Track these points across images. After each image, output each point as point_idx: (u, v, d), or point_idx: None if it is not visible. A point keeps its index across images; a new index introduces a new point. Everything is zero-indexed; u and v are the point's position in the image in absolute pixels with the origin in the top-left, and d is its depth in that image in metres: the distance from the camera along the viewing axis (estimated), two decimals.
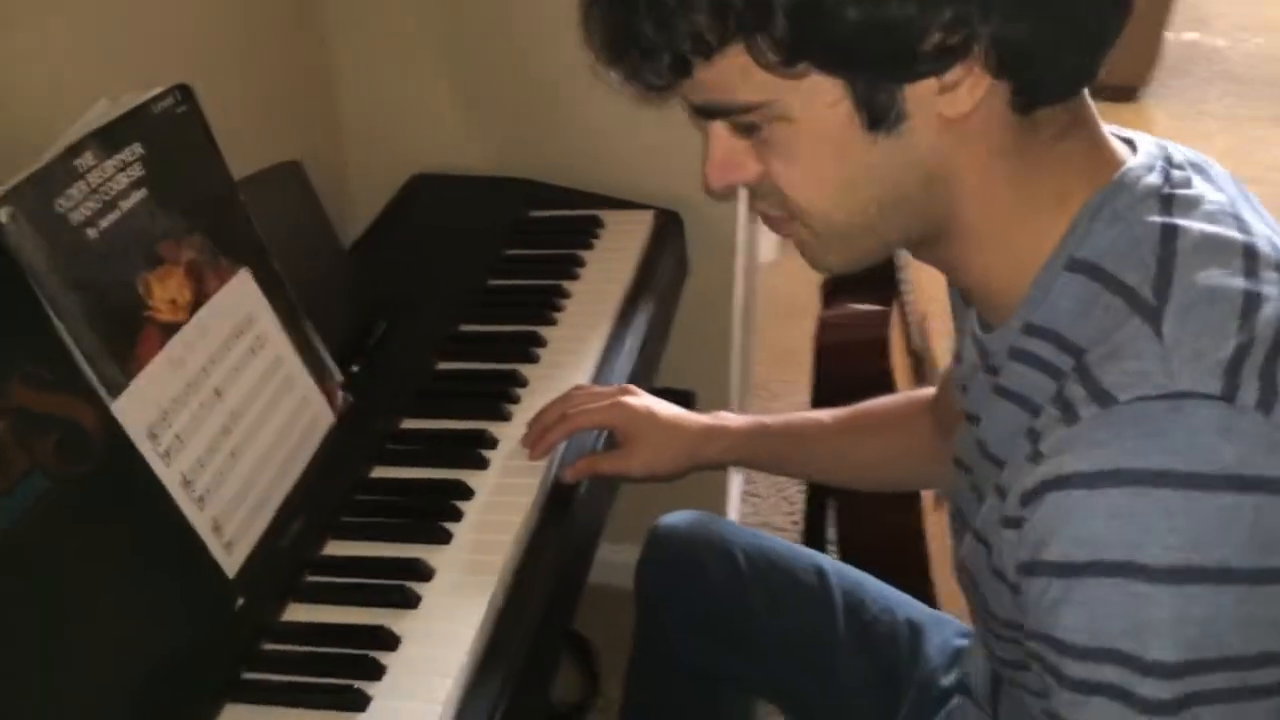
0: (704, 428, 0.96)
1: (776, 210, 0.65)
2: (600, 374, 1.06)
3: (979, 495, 0.65)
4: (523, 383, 1.02)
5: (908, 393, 1.03)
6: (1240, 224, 0.55)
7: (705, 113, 0.61)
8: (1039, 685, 0.57)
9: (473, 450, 0.94)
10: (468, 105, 1.40)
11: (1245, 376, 0.49)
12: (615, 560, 1.13)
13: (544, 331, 1.09)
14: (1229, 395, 0.49)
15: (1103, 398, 0.51)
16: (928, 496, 1.42)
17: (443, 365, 1.06)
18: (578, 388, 0.98)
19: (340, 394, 0.98)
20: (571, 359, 1.06)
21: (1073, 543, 0.51)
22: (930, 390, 0.96)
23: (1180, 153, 0.60)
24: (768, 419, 0.99)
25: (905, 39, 0.53)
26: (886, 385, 1.43)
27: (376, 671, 0.74)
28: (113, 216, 0.79)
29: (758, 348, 1.94)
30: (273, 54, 1.26)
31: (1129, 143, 0.61)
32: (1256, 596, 0.49)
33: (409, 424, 0.99)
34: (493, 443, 0.95)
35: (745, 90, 0.57)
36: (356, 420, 0.97)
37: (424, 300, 1.14)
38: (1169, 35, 3.50)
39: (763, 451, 0.98)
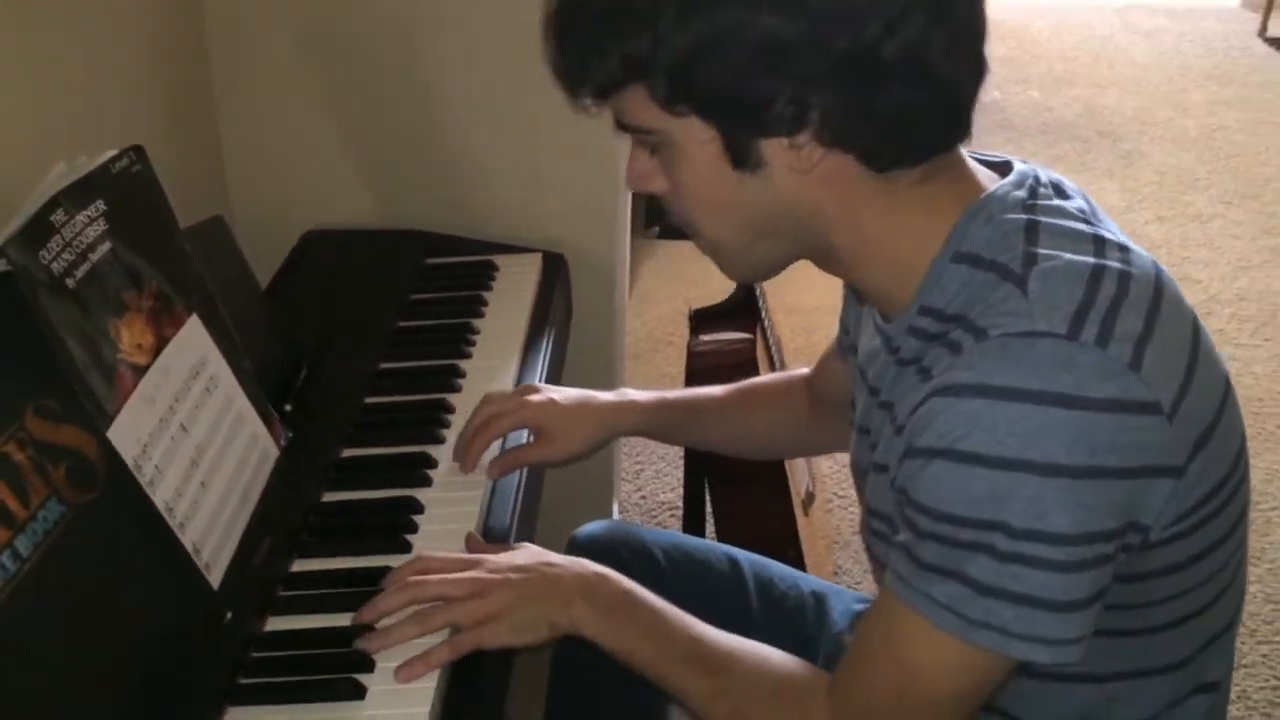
0: (613, 404, 1.08)
1: (684, 225, 0.80)
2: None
3: (876, 449, 0.80)
4: (450, 409, 1.12)
5: (785, 373, 1.18)
6: (1090, 223, 0.72)
7: (620, 127, 0.76)
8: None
9: (416, 470, 1.02)
10: (355, 162, 1.49)
11: (1089, 322, 0.65)
12: None
13: (462, 364, 1.19)
14: (1073, 335, 0.64)
15: (979, 334, 0.67)
16: (798, 503, 1.58)
17: (370, 400, 1.14)
18: (487, 397, 1.06)
19: (280, 429, 1.05)
20: (492, 385, 1.15)
21: (937, 434, 0.65)
22: (803, 371, 1.12)
23: (1045, 174, 0.76)
24: (669, 394, 1.12)
25: (753, 104, 0.68)
26: None
27: (367, 664, 0.82)
28: (85, 267, 0.85)
29: (634, 377, 2.08)
30: (164, 120, 1.32)
31: (1007, 165, 0.77)
32: (1080, 487, 0.63)
33: (349, 453, 1.06)
34: (433, 463, 1.04)
35: (645, 118, 0.73)
36: (298, 453, 1.04)
37: (340, 344, 1.22)
38: None
39: (667, 423, 1.11)
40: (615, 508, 1.87)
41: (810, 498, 1.76)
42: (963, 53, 0.69)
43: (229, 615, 0.85)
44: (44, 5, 1.04)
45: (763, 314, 1.68)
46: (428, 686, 0.80)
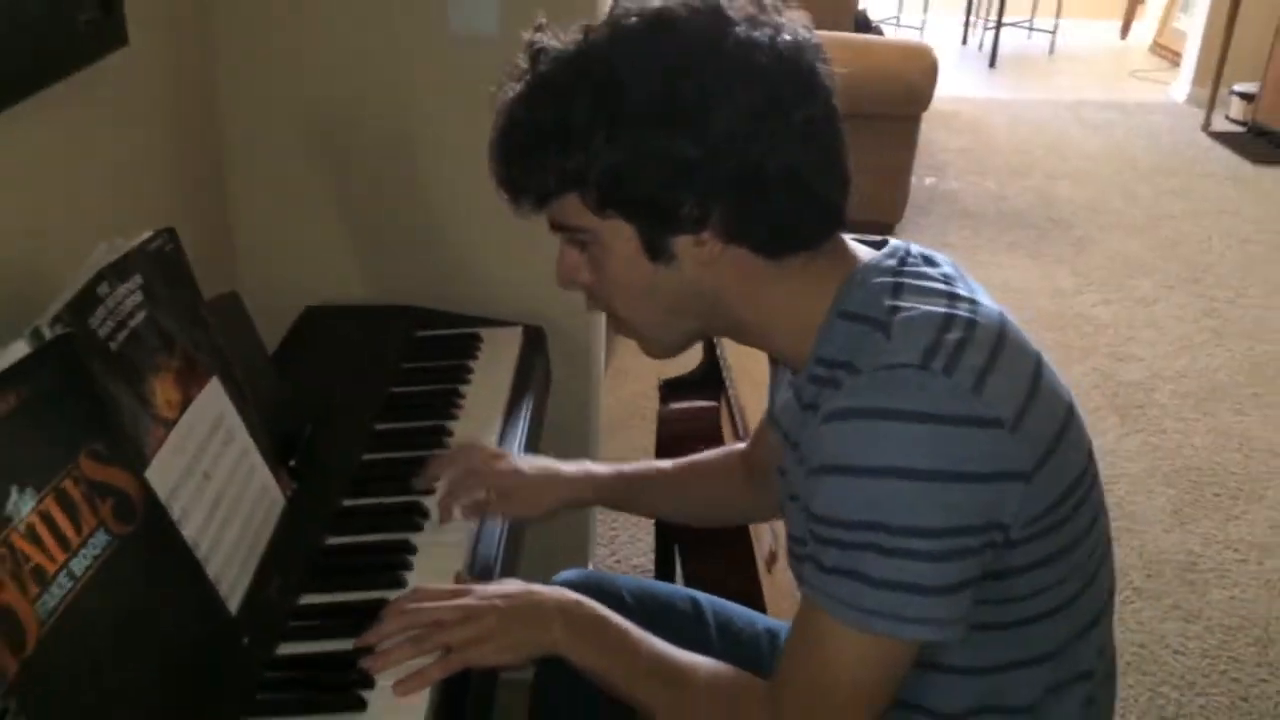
0: (573, 477, 1.22)
1: (605, 311, 0.96)
2: None
3: (792, 484, 0.93)
4: (439, 452, 1.24)
5: (724, 448, 1.31)
6: (948, 283, 0.86)
7: (554, 227, 0.91)
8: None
9: (410, 517, 1.14)
10: (351, 245, 1.63)
11: (938, 356, 0.78)
12: None
13: (449, 425, 1.31)
14: (925, 365, 0.78)
15: (855, 372, 0.81)
16: (762, 563, 1.69)
17: (368, 456, 1.26)
18: (456, 452, 1.20)
19: (287, 481, 1.17)
20: None
21: (825, 454, 0.79)
22: (739, 446, 1.25)
23: (916, 248, 0.91)
24: (625, 467, 1.26)
25: (665, 209, 0.83)
26: None
27: (368, 683, 0.92)
28: (125, 332, 0.97)
29: (609, 447, 2.20)
30: (183, 208, 1.45)
31: (884, 243, 0.92)
32: (943, 489, 0.76)
33: (349, 503, 1.18)
34: (424, 512, 1.16)
35: (577, 219, 0.87)
36: (303, 502, 1.16)
37: (340, 407, 1.34)
38: (914, 181, 4.10)
39: (621, 494, 1.25)
40: (590, 567, 1.97)
41: (773, 557, 1.87)
42: (830, 167, 0.85)
43: (246, 640, 0.96)
44: (81, 109, 1.17)
45: (727, 384, 1.81)
46: (420, 704, 0.91)
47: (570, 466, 1.23)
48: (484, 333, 1.54)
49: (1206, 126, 5.51)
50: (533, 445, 1.38)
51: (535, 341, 1.56)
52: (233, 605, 0.98)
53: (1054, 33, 7.34)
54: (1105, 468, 2.64)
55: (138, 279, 1.01)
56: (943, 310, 0.82)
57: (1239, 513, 2.53)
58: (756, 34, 0.82)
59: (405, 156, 1.57)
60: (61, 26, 1.11)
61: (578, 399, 1.70)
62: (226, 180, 1.57)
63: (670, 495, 1.27)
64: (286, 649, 0.97)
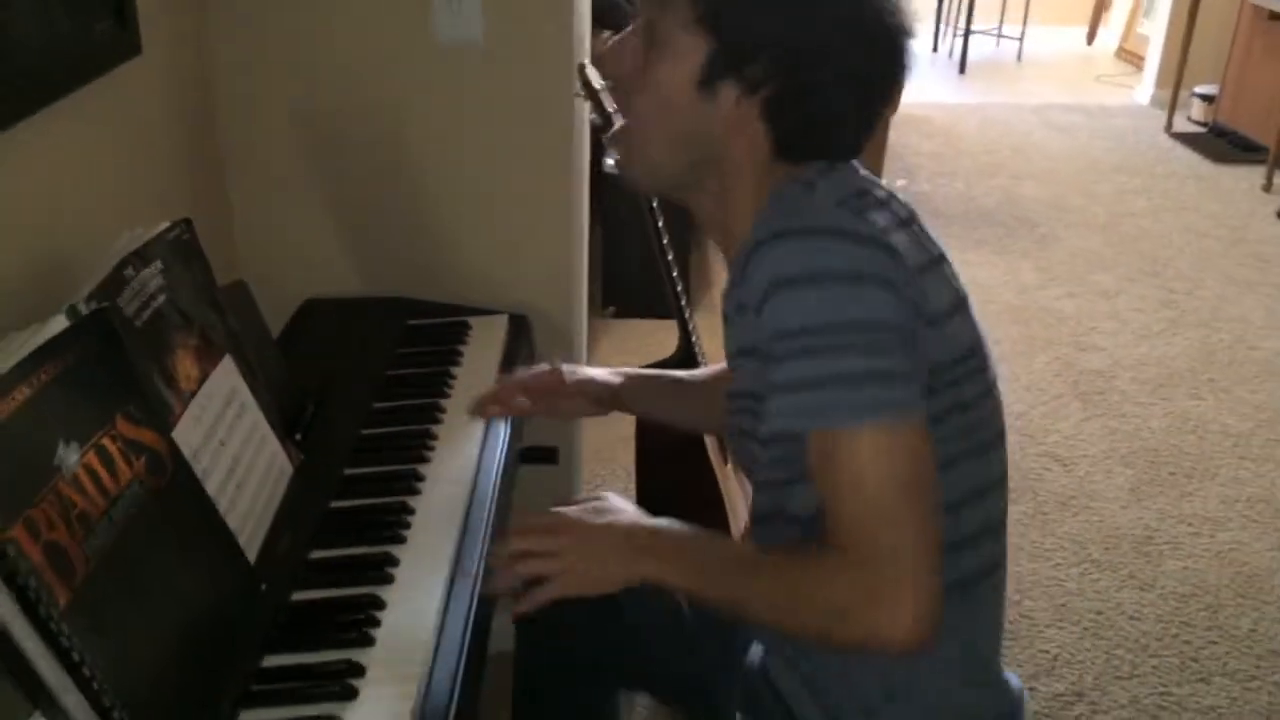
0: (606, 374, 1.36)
1: (620, 109, 1.05)
2: (487, 435, 1.38)
3: (740, 340, 1.01)
4: (435, 437, 1.34)
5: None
6: (884, 190, 1.00)
7: (644, 11, 1.00)
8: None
9: (409, 483, 1.24)
10: (347, 241, 1.73)
11: (850, 205, 0.94)
12: None
13: (442, 402, 1.42)
14: (840, 205, 0.94)
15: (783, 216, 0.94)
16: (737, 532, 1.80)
17: (367, 431, 1.37)
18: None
19: (295, 452, 1.27)
20: (465, 424, 1.37)
21: (768, 274, 0.89)
22: None
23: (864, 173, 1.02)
24: (648, 371, 1.42)
25: (740, 53, 0.94)
26: (700, 456, 1.81)
27: (374, 621, 1.02)
28: (148, 313, 1.08)
29: (592, 435, 2.29)
30: (190, 207, 1.55)
31: None
32: (881, 288, 0.87)
33: (351, 471, 1.28)
34: (420, 477, 1.26)
35: (673, 15, 0.96)
36: (308, 471, 1.26)
37: (340, 388, 1.44)
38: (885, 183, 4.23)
39: (640, 391, 1.37)
40: None
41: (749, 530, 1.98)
42: (881, 91, 0.98)
43: (263, 586, 1.06)
44: (100, 112, 1.27)
45: (703, 366, 1.92)
46: (410, 688, 0.98)
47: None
48: (472, 320, 1.64)
49: (1169, 128, 5.67)
50: (518, 428, 1.48)
51: (520, 328, 1.66)
52: (250, 556, 1.08)
53: (1021, 39, 7.51)
54: (1067, 451, 2.78)
55: (158, 264, 1.12)
56: (865, 189, 0.97)
57: (1193, 490, 2.66)
58: None
59: (396, 158, 1.67)
60: (82, 38, 1.21)
61: None
62: (227, 181, 1.67)
63: (697, 400, 1.36)
64: (300, 595, 1.07)
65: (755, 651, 1.21)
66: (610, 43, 1.03)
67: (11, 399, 0.83)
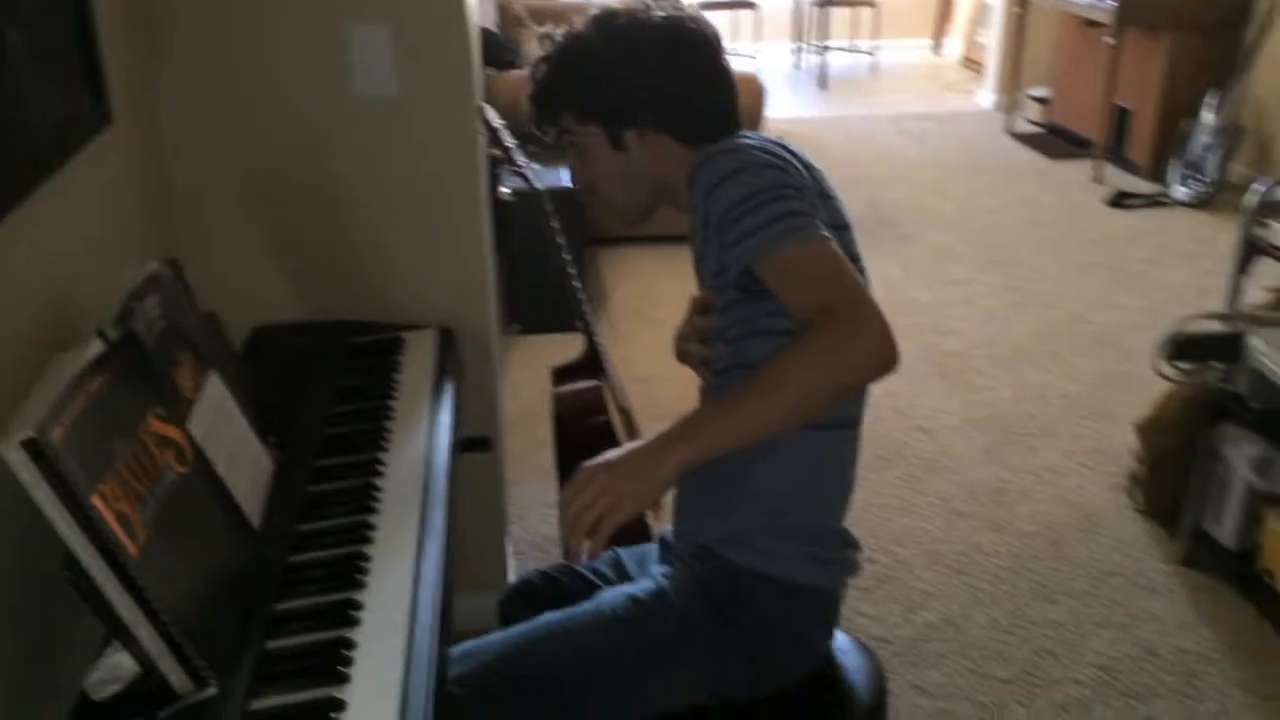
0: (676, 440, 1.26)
1: (588, 191, 1.47)
2: (432, 428, 1.63)
3: (705, 260, 1.36)
4: (390, 430, 1.59)
5: None
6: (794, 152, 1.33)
7: (560, 134, 1.45)
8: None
9: (371, 467, 1.49)
10: (289, 273, 1.96)
11: (748, 138, 1.31)
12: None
13: (391, 403, 1.67)
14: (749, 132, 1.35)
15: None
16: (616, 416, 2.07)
17: (330, 431, 1.61)
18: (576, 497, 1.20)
19: (273, 449, 1.51)
20: (412, 419, 1.62)
21: (709, 179, 1.27)
22: None
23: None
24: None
25: (618, 118, 1.36)
26: (609, 435, 2.09)
27: (364, 569, 1.27)
28: (153, 336, 1.31)
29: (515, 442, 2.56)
30: (151, 245, 1.77)
31: None
32: (763, 171, 1.24)
33: (322, 462, 1.52)
34: (383, 463, 1.50)
35: (571, 124, 1.42)
36: (286, 464, 1.49)
37: (299, 398, 1.68)
38: None
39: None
40: (509, 546, 2.33)
41: (627, 414, 2.27)
42: (716, 88, 1.41)
43: (268, 551, 1.30)
44: (84, 180, 1.50)
45: (607, 366, 2.20)
46: (401, 619, 1.23)
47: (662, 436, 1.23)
48: (406, 335, 1.89)
49: (1009, 129, 6.20)
50: (456, 422, 1.73)
51: (447, 339, 1.92)
52: (255, 523, 1.31)
53: (874, 53, 8.03)
54: (929, 420, 3.15)
55: (156, 296, 1.35)
56: (766, 137, 1.34)
57: (1038, 446, 3.04)
58: (658, 16, 1.38)
59: (329, 198, 1.92)
60: (70, 113, 1.43)
61: (482, 385, 2.06)
62: (179, 223, 1.89)
63: None
64: (296, 558, 1.31)
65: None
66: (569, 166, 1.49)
67: (74, 406, 1.06)
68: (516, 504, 2.68)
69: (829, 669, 1.45)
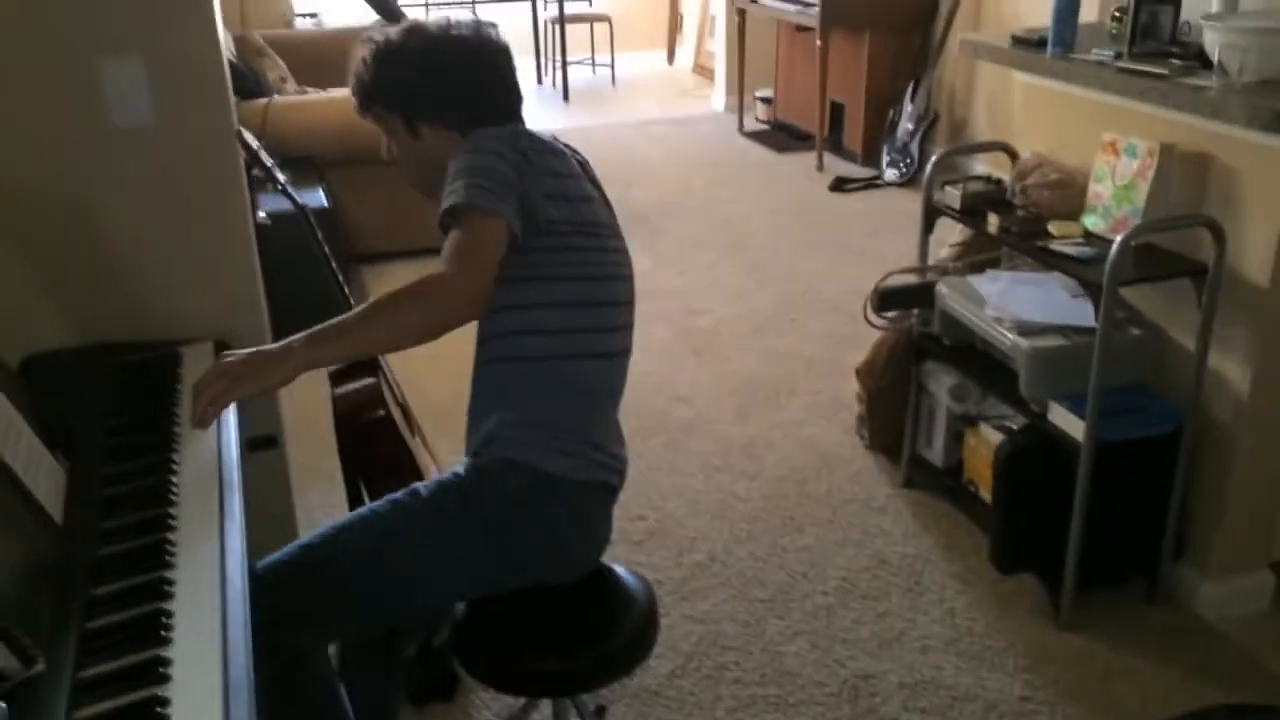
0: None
1: (403, 172, 1.78)
2: (220, 428, 1.74)
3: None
4: (177, 435, 1.70)
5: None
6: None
7: (375, 122, 1.81)
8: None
9: (166, 467, 1.60)
10: (56, 300, 2.01)
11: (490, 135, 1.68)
12: None
13: (175, 410, 1.77)
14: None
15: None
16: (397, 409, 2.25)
17: (113, 442, 1.70)
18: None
19: (62, 460, 1.59)
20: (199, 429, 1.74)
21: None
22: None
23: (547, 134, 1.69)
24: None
25: (415, 113, 1.67)
26: (390, 430, 2.25)
27: (173, 553, 1.40)
28: None
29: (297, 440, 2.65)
30: None
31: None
32: (476, 156, 1.64)
33: (111, 469, 1.62)
34: (175, 463, 1.62)
35: (383, 117, 1.72)
36: (76, 472, 1.58)
37: (79, 415, 1.76)
38: None
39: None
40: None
41: (406, 408, 2.44)
42: (493, 89, 1.77)
43: (74, 545, 1.40)
44: None
45: (381, 364, 2.36)
46: (213, 627, 1.38)
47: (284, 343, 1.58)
48: (183, 349, 1.99)
49: (741, 129, 6.69)
50: (242, 420, 1.86)
51: (223, 348, 2.03)
52: (58, 519, 1.41)
53: (612, 66, 8.43)
54: (686, 391, 3.47)
55: None
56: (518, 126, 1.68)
57: (781, 404, 3.41)
58: (459, 29, 1.74)
59: (92, 221, 1.98)
60: None
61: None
62: None
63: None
64: (105, 550, 1.42)
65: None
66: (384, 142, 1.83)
67: None
68: (304, 510, 2.78)
69: (610, 574, 1.75)
